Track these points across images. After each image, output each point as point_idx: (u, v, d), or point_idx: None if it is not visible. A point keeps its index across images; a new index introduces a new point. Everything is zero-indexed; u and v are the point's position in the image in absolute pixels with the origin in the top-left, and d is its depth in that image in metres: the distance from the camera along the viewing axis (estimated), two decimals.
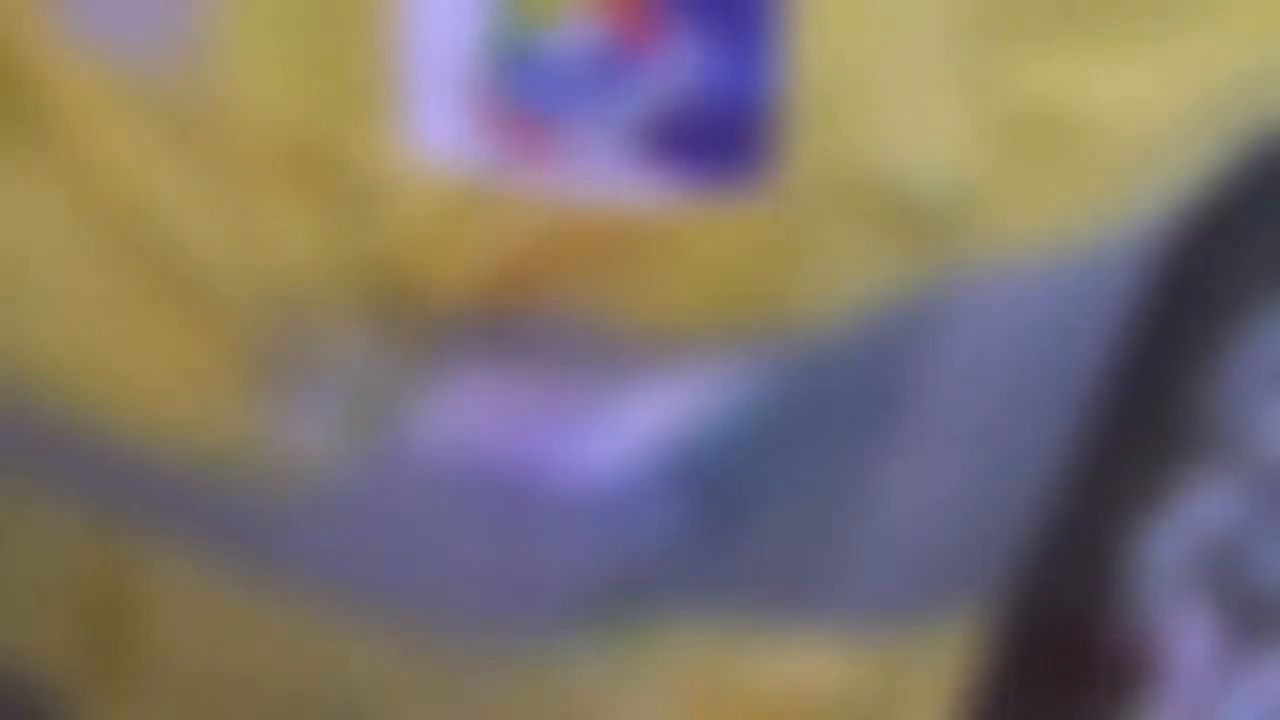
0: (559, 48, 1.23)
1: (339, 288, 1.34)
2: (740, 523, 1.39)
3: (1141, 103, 1.45)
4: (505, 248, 1.29)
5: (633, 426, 1.30)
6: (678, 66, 1.22)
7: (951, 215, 1.34)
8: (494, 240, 1.29)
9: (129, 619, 1.57)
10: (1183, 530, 1.89)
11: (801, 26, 1.21)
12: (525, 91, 1.24)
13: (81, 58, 1.37)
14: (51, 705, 1.31)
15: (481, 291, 1.32)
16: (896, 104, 1.29)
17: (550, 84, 1.23)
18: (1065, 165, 1.39)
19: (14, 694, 1.24)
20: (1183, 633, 1.66)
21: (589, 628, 1.38)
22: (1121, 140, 1.42)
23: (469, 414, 1.34)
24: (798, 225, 1.28)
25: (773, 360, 1.32)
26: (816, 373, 1.33)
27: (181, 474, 1.44)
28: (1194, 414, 1.75)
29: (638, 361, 1.32)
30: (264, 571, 1.45)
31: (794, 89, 1.22)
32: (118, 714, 1.66)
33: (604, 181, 1.24)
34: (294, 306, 1.33)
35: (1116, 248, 1.47)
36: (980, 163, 1.36)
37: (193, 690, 1.61)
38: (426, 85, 1.26)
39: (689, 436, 1.31)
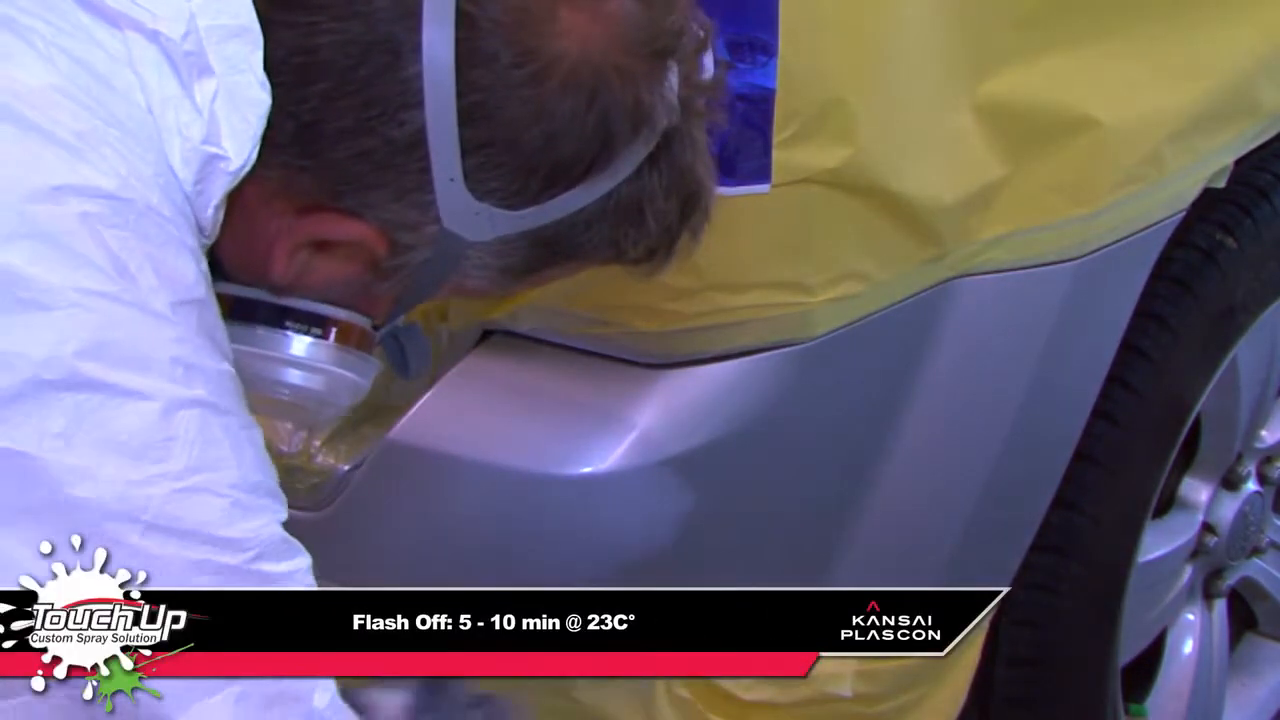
0: None
1: None
2: (739, 518, 1.39)
3: (1142, 103, 1.45)
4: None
5: (635, 424, 1.30)
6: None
7: (952, 215, 1.34)
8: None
9: None
10: None
11: (803, 31, 1.21)
12: None
13: None
14: None
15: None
16: (898, 105, 1.29)
17: None
18: (1065, 165, 1.39)
19: None
20: None
21: None
22: (1122, 140, 1.42)
23: (470, 412, 1.34)
24: (799, 224, 1.28)
25: (774, 357, 1.32)
26: (817, 369, 1.33)
27: None
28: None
29: (638, 359, 1.32)
30: None
31: (796, 91, 1.22)
32: None
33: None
34: None
35: (1117, 246, 1.47)
36: (981, 163, 1.36)
37: None
38: None
39: (690, 433, 1.31)
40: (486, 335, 1.35)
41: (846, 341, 1.33)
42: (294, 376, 1.03)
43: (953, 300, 1.39)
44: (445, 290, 1.04)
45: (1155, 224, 1.51)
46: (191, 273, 0.90)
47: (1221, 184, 1.58)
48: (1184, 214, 1.54)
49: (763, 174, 1.24)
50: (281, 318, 1.02)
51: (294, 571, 0.91)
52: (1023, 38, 1.36)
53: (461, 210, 0.97)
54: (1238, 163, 1.59)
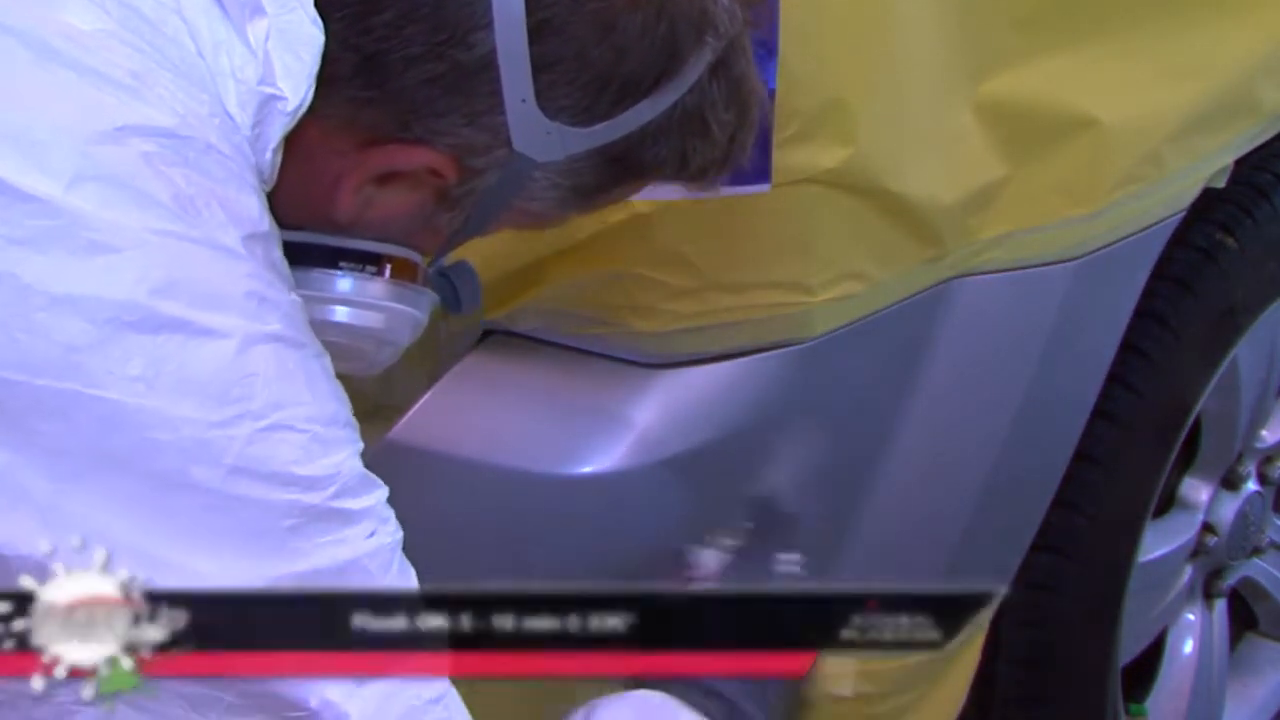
0: None
1: None
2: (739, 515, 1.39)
3: (1142, 103, 1.45)
4: (509, 245, 1.29)
5: (635, 424, 1.30)
6: None
7: (952, 215, 1.34)
8: (497, 238, 1.29)
9: None
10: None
11: (803, 31, 1.21)
12: None
13: None
14: None
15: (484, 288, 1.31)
16: (898, 105, 1.29)
17: None
18: (1065, 165, 1.39)
19: None
20: None
21: None
22: (1122, 140, 1.42)
23: (470, 412, 1.34)
24: (799, 224, 1.28)
25: (774, 357, 1.32)
26: (817, 369, 1.33)
27: None
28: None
29: (638, 359, 1.32)
30: None
31: (797, 91, 1.22)
32: None
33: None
34: None
35: (1117, 246, 1.47)
36: (981, 163, 1.36)
37: None
38: None
39: (690, 433, 1.31)
40: (486, 335, 1.35)
41: (846, 341, 1.33)
42: (353, 316, 1.02)
43: (953, 300, 1.39)
44: (509, 218, 1.03)
45: (1155, 224, 1.51)
46: (255, 208, 0.89)
47: (1221, 184, 1.58)
48: (1184, 214, 1.54)
49: (763, 174, 1.24)
50: (335, 258, 1.01)
51: (373, 506, 0.92)
52: (1023, 38, 1.36)
53: (533, 130, 0.96)
54: (1238, 163, 1.59)
